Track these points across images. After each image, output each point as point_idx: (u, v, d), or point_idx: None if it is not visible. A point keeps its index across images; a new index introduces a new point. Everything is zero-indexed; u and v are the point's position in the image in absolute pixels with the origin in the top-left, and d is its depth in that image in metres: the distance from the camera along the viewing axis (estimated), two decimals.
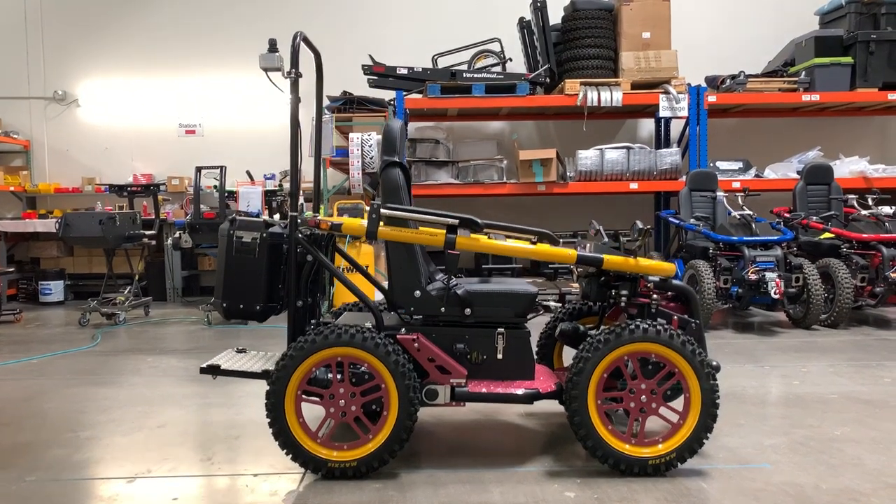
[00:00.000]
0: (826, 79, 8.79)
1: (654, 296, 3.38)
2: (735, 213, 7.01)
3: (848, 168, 9.12)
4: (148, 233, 7.85)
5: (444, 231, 3.27)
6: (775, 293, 6.37)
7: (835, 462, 3.32)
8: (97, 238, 7.17)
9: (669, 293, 3.55)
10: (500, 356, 3.40)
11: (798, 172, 8.68)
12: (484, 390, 3.29)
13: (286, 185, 9.49)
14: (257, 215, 7.61)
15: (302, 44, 3.38)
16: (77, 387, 4.89)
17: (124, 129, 10.28)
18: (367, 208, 3.28)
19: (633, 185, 8.91)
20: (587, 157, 8.87)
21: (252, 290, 3.37)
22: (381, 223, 3.30)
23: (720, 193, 7.54)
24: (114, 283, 7.95)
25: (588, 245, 3.54)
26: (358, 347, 3.12)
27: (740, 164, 9.20)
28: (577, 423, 3.15)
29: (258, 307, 3.39)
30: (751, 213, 7.02)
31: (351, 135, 7.66)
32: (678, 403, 3.28)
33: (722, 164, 9.21)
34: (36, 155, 10.31)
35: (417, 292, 3.37)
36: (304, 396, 3.17)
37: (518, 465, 3.31)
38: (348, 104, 7.97)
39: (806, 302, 6.67)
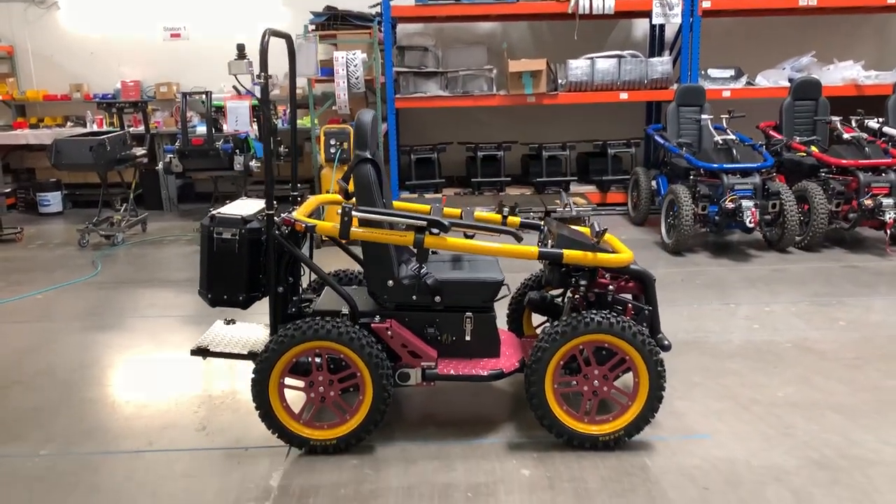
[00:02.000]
0: None
1: (610, 286, 3.60)
2: (717, 138, 7.08)
3: (840, 74, 9.04)
4: (139, 152, 7.94)
5: (414, 233, 3.44)
6: (750, 222, 6.57)
7: (771, 432, 3.66)
8: (88, 164, 7.28)
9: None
10: (468, 338, 3.67)
11: (790, 80, 8.62)
12: (452, 371, 3.58)
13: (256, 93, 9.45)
14: (245, 134, 7.70)
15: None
16: (81, 333, 5.21)
17: (108, 34, 10.08)
18: (339, 210, 3.44)
19: (624, 96, 8.89)
20: (578, 68, 8.79)
21: (234, 282, 3.59)
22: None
23: (705, 116, 7.55)
24: (110, 198, 8.12)
25: (551, 230, 3.72)
26: (334, 341, 3.38)
27: (731, 72, 9.12)
28: (535, 405, 3.46)
29: (241, 297, 3.62)
30: (733, 137, 7.08)
31: (335, 53, 7.59)
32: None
33: (713, 72, 9.12)
34: (21, 61, 10.18)
35: (390, 282, 3.59)
36: (286, 383, 3.47)
37: (483, 435, 3.66)
38: (332, 20, 7.82)
39: (781, 226, 6.87)
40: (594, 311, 3.43)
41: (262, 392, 3.42)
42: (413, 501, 3.13)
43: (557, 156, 9.20)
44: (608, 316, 3.40)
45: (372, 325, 3.54)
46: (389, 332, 3.54)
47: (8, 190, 8.80)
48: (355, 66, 7.57)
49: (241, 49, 3.04)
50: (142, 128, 8.79)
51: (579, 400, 3.53)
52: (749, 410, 3.89)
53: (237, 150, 7.56)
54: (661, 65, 8.84)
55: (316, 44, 7.56)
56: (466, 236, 3.76)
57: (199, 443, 3.65)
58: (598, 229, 3.48)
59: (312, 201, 3.96)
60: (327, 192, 7.38)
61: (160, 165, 7.70)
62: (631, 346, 3.40)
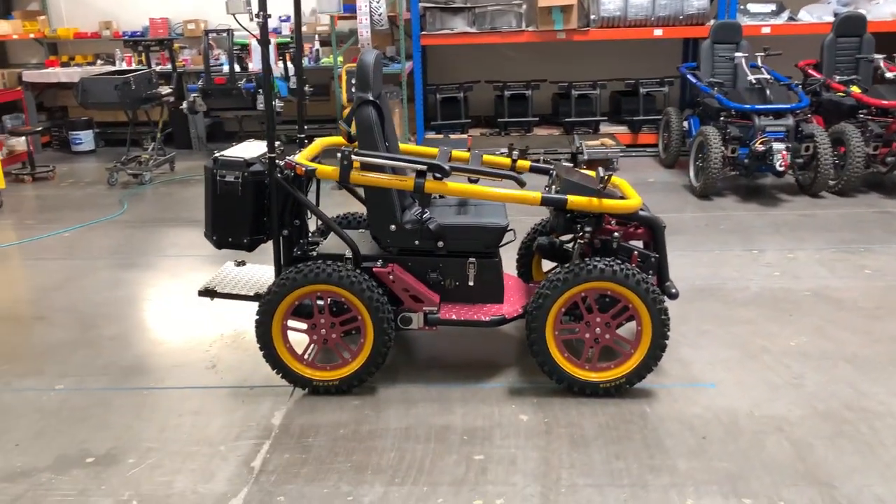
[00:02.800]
0: None
1: (616, 233, 3.54)
2: (751, 77, 6.82)
3: (890, 9, 8.58)
4: (165, 91, 7.97)
5: (414, 177, 3.40)
6: (780, 166, 6.36)
7: (778, 382, 3.61)
8: (114, 103, 7.33)
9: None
10: (471, 283, 3.65)
11: (835, 15, 8.23)
12: (454, 317, 3.58)
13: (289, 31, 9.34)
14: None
15: None
16: (104, 271, 5.33)
17: None
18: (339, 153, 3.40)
19: (658, 32, 8.59)
20: (610, 2, 8.50)
21: (238, 225, 3.61)
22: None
23: (739, 54, 7.25)
24: (138, 137, 8.20)
25: (559, 175, 3.64)
26: (335, 285, 3.39)
27: (772, 7, 8.72)
28: (536, 352, 3.45)
29: (245, 240, 3.64)
30: (768, 77, 6.81)
31: None
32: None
33: (753, 7, 8.73)
34: None
35: (392, 227, 3.58)
36: (289, 325, 3.51)
37: (485, 380, 3.68)
38: None
39: (814, 170, 6.65)
40: (597, 259, 3.38)
41: (265, 334, 3.47)
42: (410, 442, 3.17)
43: (588, 95, 8.97)
44: (611, 263, 3.34)
45: (374, 269, 3.54)
46: (391, 277, 3.54)
47: (40, 129, 8.92)
48: (378, 2, 7.42)
49: None
50: (169, 66, 8.79)
51: (583, 346, 3.51)
52: (757, 360, 3.83)
53: (260, 89, 7.51)
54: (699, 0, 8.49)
55: None
56: (471, 181, 3.71)
57: (208, 381, 3.74)
58: (602, 174, 3.40)
59: (317, 144, 3.93)
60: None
61: (185, 105, 7.71)
62: (634, 294, 3.35)
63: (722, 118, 6.81)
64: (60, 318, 4.54)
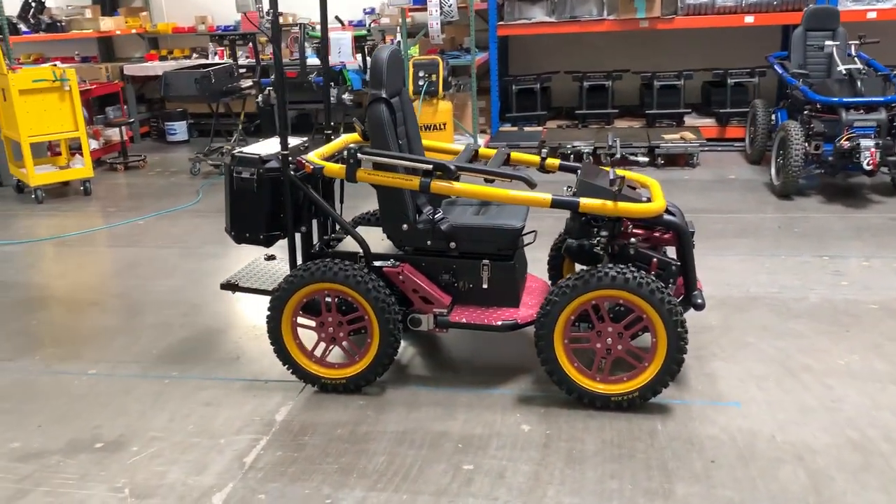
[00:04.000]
0: None
1: (633, 238, 3.34)
2: (841, 67, 6.30)
3: None
4: (245, 85, 8.21)
5: (420, 176, 3.33)
6: (868, 164, 5.85)
7: (813, 404, 3.31)
8: (194, 96, 7.62)
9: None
10: (485, 286, 3.55)
11: None
12: (464, 320, 3.49)
13: (376, 25, 9.42)
14: (341, 66, 7.74)
15: None
16: (166, 259, 5.55)
17: None
18: (346, 150, 3.37)
19: (749, 19, 8.11)
20: None
21: (254, 221, 3.65)
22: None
23: (829, 43, 6.71)
24: (222, 128, 8.50)
25: (586, 171, 3.45)
26: (340, 283, 3.38)
27: None
28: (544, 360, 3.32)
29: (261, 236, 3.69)
30: (860, 66, 6.27)
31: None
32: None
33: None
34: None
35: (405, 226, 3.52)
36: (299, 322, 3.53)
37: (496, 385, 3.58)
38: None
39: None
40: (610, 265, 3.20)
41: (275, 329, 3.51)
42: (403, 447, 3.12)
43: (673, 85, 8.56)
44: (624, 270, 3.16)
45: (384, 269, 3.50)
46: (401, 277, 3.49)
47: (132, 120, 9.39)
48: None
49: None
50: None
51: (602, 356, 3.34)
52: (796, 378, 3.53)
53: (332, 83, 7.61)
54: None
55: None
56: (487, 181, 3.59)
57: (228, 372, 3.82)
58: (613, 176, 3.21)
59: (339, 142, 3.92)
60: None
61: (259, 98, 7.92)
62: (648, 303, 3.15)
63: (806, 112, 6.34)
64: (112, 304, 4.77)
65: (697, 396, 3.42)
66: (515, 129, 8.74)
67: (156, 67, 10.09)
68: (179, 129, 10.18)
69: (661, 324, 3.17)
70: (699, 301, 3.39)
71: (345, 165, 3.39)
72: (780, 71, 7.03)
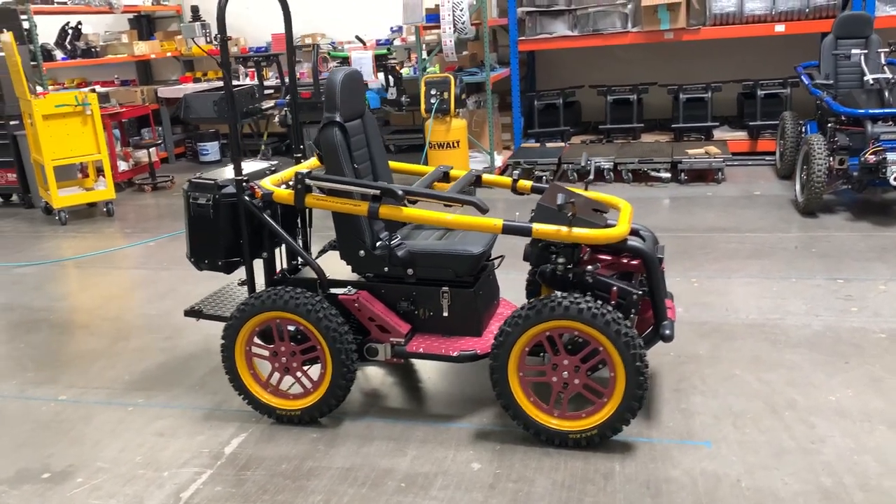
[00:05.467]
0: None
1: (589, 266, 3.15)
2: (868, 77, 5.94)
3: None
4: (266, 106, 8.27)
5: (368, 202, 3.21)
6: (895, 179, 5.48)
7: (790, 446, 3.05)
8: (212, 118, 7.71)
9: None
10: (445, 314, 3.41)
11: None
12: (422, 350, 3.35)
13: (401, 42, 9.38)
14: (366, 83, 7.71)
15: None
16: (165, 281, 5.58)
17: None
18: (294, 174, 3.29)
19: (780, 28, 7.76)
20: None
21: (212, 247, 3.59)
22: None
23: (856, 51, 6.34)
24: (251, 148, 8.59)
25: (553, 195, 3.26)
26: (291, 312, 3.28)
27: None
28: (499, 394, 3.15)
29: (220, 262, 3.63)
30: (890, 76, 5.90)
31: None
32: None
33: None
34: (187, 19, 10.94)
35: (361, 252, 3.41)
36: (254, 351, 3.45)
37: (457, 419, 3.42)
38: None
39: None
40: (565, 295, 3.02)
41: (229, 359, 3.44)
42: (344, 485, 3.00)
43: (701, 98, 8.25)
44: (578, 300, 2.98)
45: (339, 296, 3.39)
46: (356, 305, 3.37)
47: (159, 142, 9.54)
48: (461, 10, 7.25)
49: (194, 11, 2.96)
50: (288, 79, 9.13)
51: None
52: (778, 415, 3.27)
53: None
54: None
55: None
56: (446, 205, 3.45)
57: (192, 400, 3.77)
58: (562, 200, 3.02)
59: (302, 165, 3.84)
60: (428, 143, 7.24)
61: (276, 118, 7.96)
62: (604, 335, 2.96)
63: (829, 124, 5.99)
64: (102, 328, 4.79)
65: (666, 434, 3.19)
66: (538, 145, 8.56)
67: (188, 89, 10.30)
68: (211, 150, 10.33)
69: (618, 357, 2.97)
70: (667, 332, 3.17)
71: (293, 191, 3.31)
72: (806, 81, 6.68)
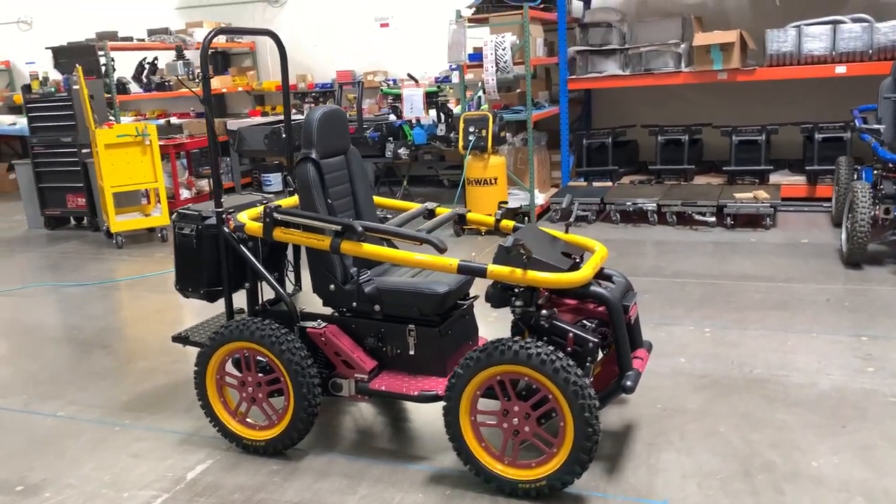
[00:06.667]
0: None
1: (544, 311, 3.06)
2: None
3: None
4: None
5: (331, 237, 3.25)
6: None
7: None
8: (263, 150, 7.99)
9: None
10: (411, 352, 3.39)
11: None
12: (384, 387, 3.34)
13: (453, 79, 9.48)
14: (401, 122, 7.85)
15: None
16: (190, 306, 5.77)
17: (328, 27, 10.90)
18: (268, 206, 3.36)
19: (840, 70, 7.43)
20: (779, 38, 7.52)
21: (195, 276, 3.71)
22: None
23: None
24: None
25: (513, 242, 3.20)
26: (257, 343, 3.34)
27: None
28: (451, 437, 3.09)
29: (202, 291, 3.74)
30: None
31: (484, 38, 7.38)
32: None
33: None
34: (260, 56, 11.46)
35: (332, 286, 3.45)
36: (226, 381, 3.52)
37: (418, 459, 3.38)
38: (486, 3, 7.62)
39: None
40: (516, 339, 2.96)
41: (200, 385, 3.52)
42: None
43: (755, 140, 7.95)
44: (529, 345, 2.91)
45: (308, 329, 3.43)
46: (323, 339, 3.40)
47: (221, 172, 9.92)
48: (503, 49, 7.28)
49: (179, 51, 3.08)
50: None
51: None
52: (749, 479, 3.07)
53: (390, 138, 7.73)
54: (893, 31, 7.18)
55: (464, 29, 7.40)
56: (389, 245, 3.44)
57: (172, 425, 3.87)
58: (508, 243, 2.96)
59: (288, 200, 3.93)
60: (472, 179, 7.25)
61: None
62: (552, 383, 2.87)
63: (876, 171, 5.66)
64: (120, 348, 5.00)
65: (624, 490, 3.05)
66: (585, 184, 8.45)
67: (252, 122, 10.72)
68: (274, 180, 10.67)
69: (566, 406, 2.87)
70: (628, 384, 3.04)
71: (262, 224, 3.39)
72: (858, 123, 6.35)
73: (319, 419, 3.77)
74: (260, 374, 3.43)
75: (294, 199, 3.86)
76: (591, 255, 3.28)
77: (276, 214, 3.34)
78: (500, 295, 3.19)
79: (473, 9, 7.83)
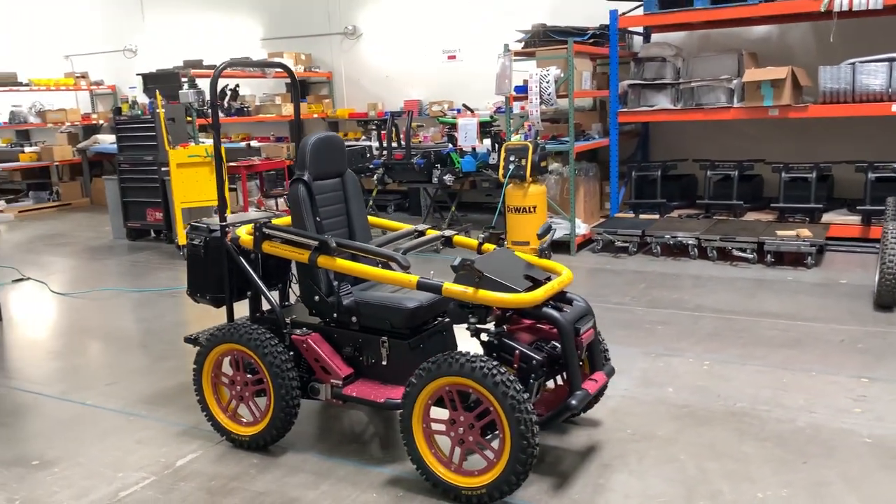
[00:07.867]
0: None
1: (492, 328, 3.25)
2: None
3: None
4: (371, 165, 8.93)
5: (310, 251, 3.55)
6: None
7: None
8: None
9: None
10: (384, 362, 3.64)
11: None
12: (355, 394, 3.60)
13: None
14: (449, 150, 8.16)
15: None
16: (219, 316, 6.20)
17: (400, 59, 11.38)
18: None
19: None
20: (833, 75, 7.40)
21: (203, 283, 4.09)
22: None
23: None
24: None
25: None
26: (244, 345, 3.67)
27: None
28: (405, 442, 3.31)
29: (208, 296, 4.11)
30: None
31: (530, 71, 7.61)
32: None
33: None
34: (336, 84, 12.06)
35: (316, 297, 3.75)
36: (220, 379, 3.86)
37: (385, 462, 3.60)
38: (535, 37, 7.85)
39: None
40: (464, 352, 3.16)
41: (198, 382, 3.87)
42: None
43: (805, 178, 7.79)
44: (474, 358, 3.10)
45: (293, 335, 3.73)
46: (305, 345, 3.69)
47: (286, 192, 10.48)
48: (547, 82, 7.48)
49: (191, 80, 3.38)
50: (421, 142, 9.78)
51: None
52: None
53: (437, 164, 8.04)
54: None
55: (510, 62, 7.65)
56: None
57: (181, 417, 4.24)
58: (456, 262, 3.17)
59: (285, 217, 4.25)
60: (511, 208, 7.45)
61: (374, 177, 8.56)
62: (492, 396, 3.06)
63: None
64: (155, 348, 5.46)
65: None
66: (632, 215, 8.48)
67: None
68: None
69: (504, 418, 3.05)
70: (573, 402, 3.19)
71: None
72: None
73: (315, 422, 4.08)
74: (248, 375, 3.75)
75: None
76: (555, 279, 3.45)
77: (264, 229, 3.68)
78: (458, 312, 3.40)
79: (522, 43, 8.08)
